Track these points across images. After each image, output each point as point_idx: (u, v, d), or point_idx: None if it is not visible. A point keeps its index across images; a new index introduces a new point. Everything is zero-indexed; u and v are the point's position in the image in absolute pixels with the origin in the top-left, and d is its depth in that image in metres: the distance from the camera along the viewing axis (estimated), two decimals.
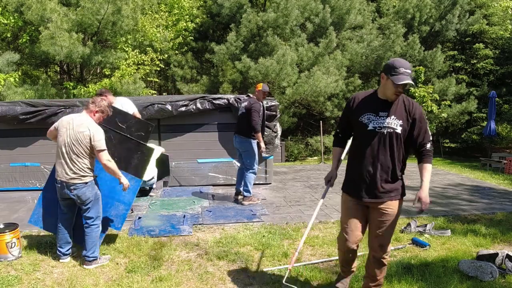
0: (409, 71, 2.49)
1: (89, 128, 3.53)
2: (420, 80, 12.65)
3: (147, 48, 13.77)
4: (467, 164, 11.57)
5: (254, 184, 7.09)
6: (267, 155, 7.18)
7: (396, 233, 4.33)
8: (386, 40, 12.93)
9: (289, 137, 13.18)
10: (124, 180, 3.71)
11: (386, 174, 2.65)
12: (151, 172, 6.13)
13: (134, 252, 3.94)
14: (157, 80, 16.11)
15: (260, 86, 5.71)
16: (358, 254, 3.86)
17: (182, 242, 4.28)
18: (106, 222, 3.99)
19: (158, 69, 14.48)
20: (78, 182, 3.54)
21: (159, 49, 14.13)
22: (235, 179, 6.25)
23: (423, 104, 12.22)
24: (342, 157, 3.04)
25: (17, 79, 10.66)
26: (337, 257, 3.81)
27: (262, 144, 5.62)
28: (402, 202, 2.75)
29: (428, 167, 2.64)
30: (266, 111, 7.01)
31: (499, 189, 7.08)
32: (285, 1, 11.81)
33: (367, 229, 2.84)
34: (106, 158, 3.56)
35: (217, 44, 12.58)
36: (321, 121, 12.20)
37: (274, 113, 7.12)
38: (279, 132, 7.36)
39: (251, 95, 5.87)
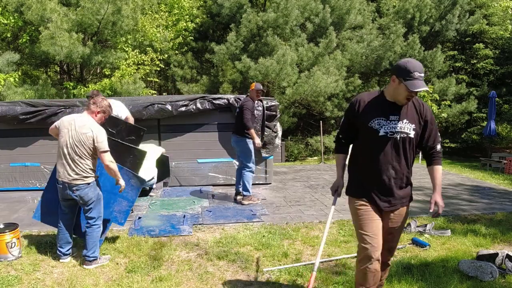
0: (423, 75, 2.36)
1: (92, 129, 3.53)
2: None
3: (147, 48, 13.77)
4: (467, 164, 11.57)
5: (254, 184, 7.10)
6: (267, 155, 7.18)
7: None
8: (386, 40, 12.93)
9: (289, 137, 13.19)
10: (122, 182, 3.72)
11: (401, 180, 2.54)
12: (151, 172, 6.13)
13: (134, 252, 3.94)
14: (157, 80, 16.11)
15: (253, 86, 5.77)
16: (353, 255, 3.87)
17: (182, 242, 4.28)
18: (110, 218, 4.01)
19: (158, 69, 14.48)
20: (81, 183, 3.54)
21: (159, 49, 14.12)
22: (235, 179, 6.26)
23: None
24: (346, 163, 2.87)
25: (17, 79, 10.66)
26: (337, 257, 3.82)
27: (257, 140, 5.59)
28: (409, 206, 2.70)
29: (439, 169, 2.56)
30: (266, 111, 7.02)
31: (499, 189, 7.08)
32: (285, 1, 11.80)
33: None
34: (108, 159, 3.57)
35: (217, 44, 12.58)
36: (321, 121, 12.20)
37: (274, 113, 7.12)
38: (279, 132, 7.37)
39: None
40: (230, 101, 6.85)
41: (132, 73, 12.15)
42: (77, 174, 3.52)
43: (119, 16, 10.86)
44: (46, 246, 4.10)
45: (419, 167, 9.33)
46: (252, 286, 3.28)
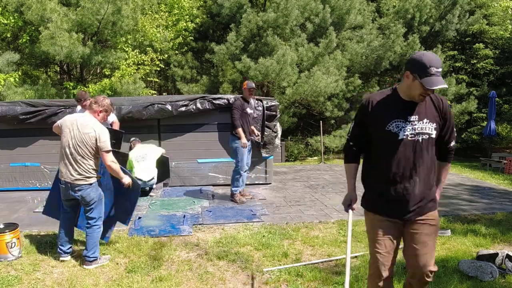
0: (440, 70, 2.07)
1: (95, 129, 3.53)
2: None
3: (147, 48, 13.76)
4: (467, 164, 11.57)
5: (254, 184, 7.12)
6: (267, 155, 7.18)
7: None
8: (386, 40, 12.92)
9: (289, 137, 13.18)
10: (127, 180, 3.73)
11: (424, 185, 2.29)
12: (151, 172, 6.13)
13: (134, 252, 3.94)
14: (157, 80, 16.11)
15: (245, 84, 5.83)
16: (358, 254, 3.87)
17: (182, 242, 4.28)
18: (114, 217, 4.03)
19: (158, 69, 14.47)
20: (83, 183, 3.54)
21: (159, 49, 14.12)
22: None
23: None
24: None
25: (17, 79, 10.66)
26: (337, 257, 3.82)
27: (243, 140, 5.63)
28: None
29: (448, 168, 2.45)
30: (266, 111, 7.02)
31: (499, 189, 7.08)
32: (285, 1, 11.80)
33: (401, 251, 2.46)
34: (110, 159, 3.57)
35: (217, 44, 12.57)
36: (321, 121, 12.20)
37: (274, 113, 7.12)
38: (279, 132, 7.36)
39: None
40: (230, 101, 6.84)
41: (132, 73, 12.15)
42: (79, 174, 3.52)
43: (119, 16, 10.85)
44: (46, 246, 4.10)
45: None
46: (251, 286, 3.28)
